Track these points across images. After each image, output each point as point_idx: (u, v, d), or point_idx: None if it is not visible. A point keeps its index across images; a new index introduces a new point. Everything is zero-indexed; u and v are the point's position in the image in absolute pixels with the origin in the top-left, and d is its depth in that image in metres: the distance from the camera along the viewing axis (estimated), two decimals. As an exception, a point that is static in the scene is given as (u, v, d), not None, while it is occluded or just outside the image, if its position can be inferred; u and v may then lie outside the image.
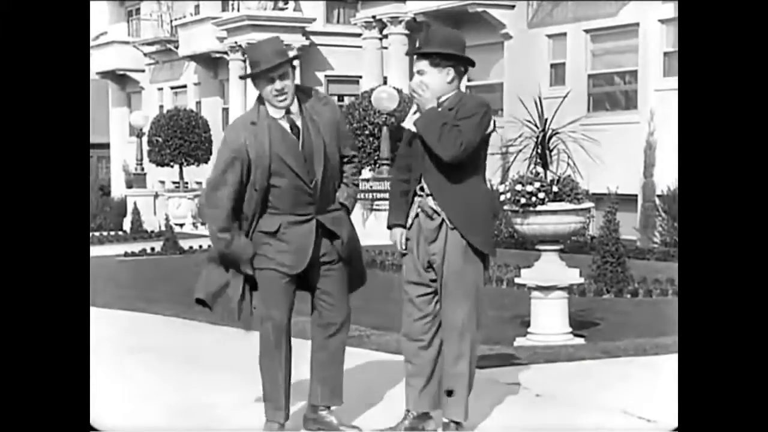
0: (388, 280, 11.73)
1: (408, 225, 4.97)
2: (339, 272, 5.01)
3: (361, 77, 25.06)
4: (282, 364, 4.91)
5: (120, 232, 23.80)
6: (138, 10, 34.61)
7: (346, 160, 5.05)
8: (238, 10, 27.35)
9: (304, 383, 5.11)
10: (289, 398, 4.96)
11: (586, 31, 19.48)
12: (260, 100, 4.90)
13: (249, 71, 4.87)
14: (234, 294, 4.94)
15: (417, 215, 4.93)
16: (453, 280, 4.86)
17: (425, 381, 4.94)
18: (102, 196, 30.05)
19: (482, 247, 4.90)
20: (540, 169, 7.92)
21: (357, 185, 5.16)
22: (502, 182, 8.35)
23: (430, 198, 4.89)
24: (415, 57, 4.97)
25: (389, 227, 5.05)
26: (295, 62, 5.28)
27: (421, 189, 4.91)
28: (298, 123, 4.86)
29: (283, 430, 4.94)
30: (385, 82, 22.61)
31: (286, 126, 4.85)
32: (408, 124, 4.96)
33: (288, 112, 4.86)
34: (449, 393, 4.88)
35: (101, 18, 34.98)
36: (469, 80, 20.02)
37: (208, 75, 30.43)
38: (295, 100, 4.88)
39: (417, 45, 5.12)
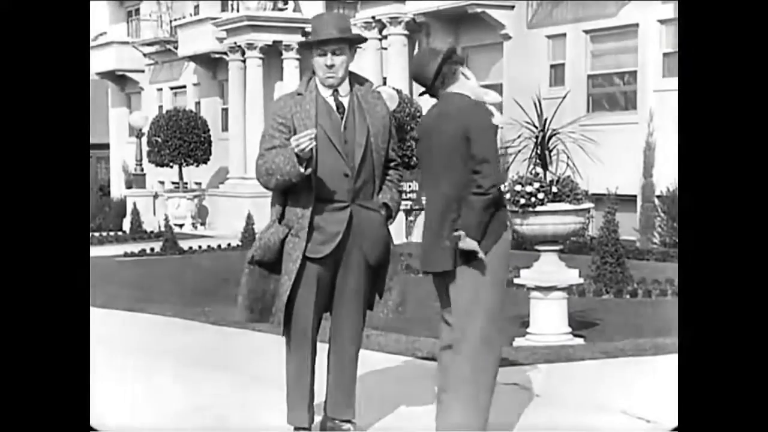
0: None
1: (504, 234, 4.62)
2: (360, 278, 4.85)
3: (360, 77, 25.02)
4: (308, 363, 4.81)
5: (120, 233, 23.83)
6: (138, 11, 34.59)
7: (393, 164, 4.91)
8: (238, 11, 27.32)
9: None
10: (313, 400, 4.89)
11: (586, 31, 19.48)
12: (312, 73, 4.81)
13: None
14: (278, 304, 4.76)
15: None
16: None
17: None
18: (102, 197, 30.10)
19: None
20: (539, 170, 7.93)
21: (401, 192, 5.02)
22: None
23: None
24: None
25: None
26: (362, 45, 5.06)
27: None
28: (345, 104, 4.77)
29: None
30: (384, 83, 22.59)
31: (333, 104, 4.76)
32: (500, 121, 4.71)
33: (336, 92, 4.77)
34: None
35: (101, 18, 34.98)
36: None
37: (207, 75, 30.41)
38: (347, 84, 4.79)
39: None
